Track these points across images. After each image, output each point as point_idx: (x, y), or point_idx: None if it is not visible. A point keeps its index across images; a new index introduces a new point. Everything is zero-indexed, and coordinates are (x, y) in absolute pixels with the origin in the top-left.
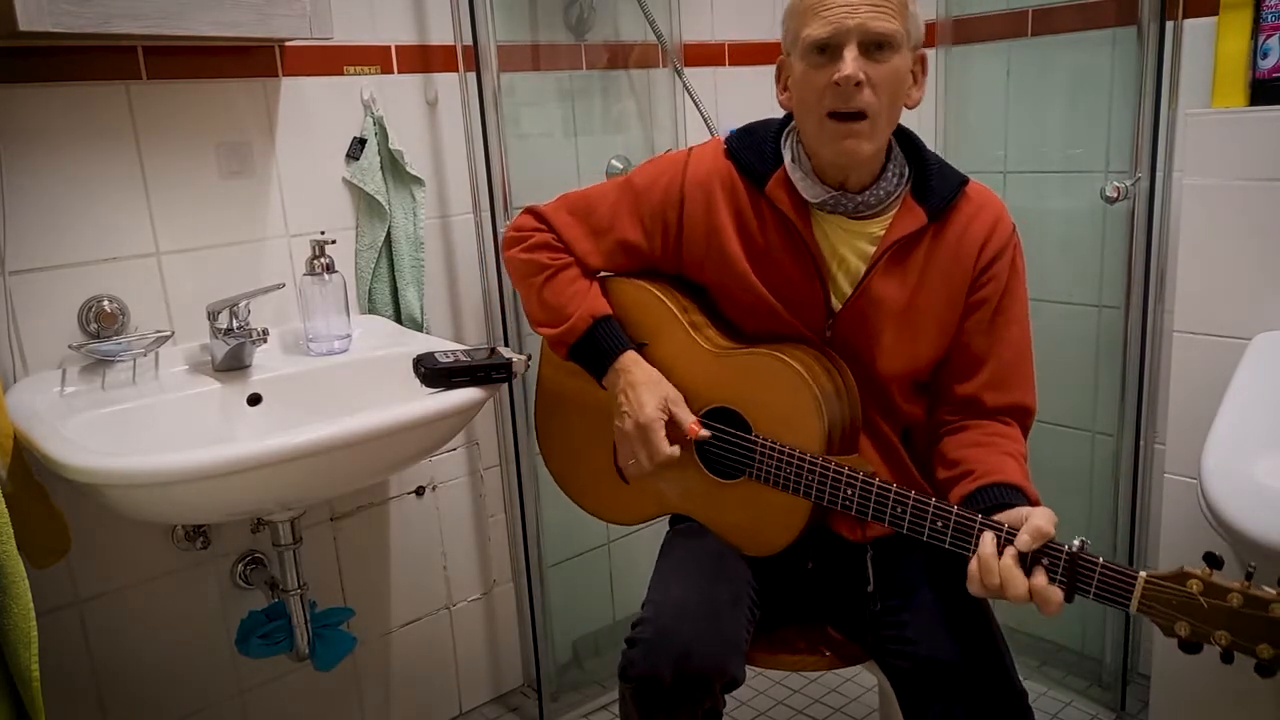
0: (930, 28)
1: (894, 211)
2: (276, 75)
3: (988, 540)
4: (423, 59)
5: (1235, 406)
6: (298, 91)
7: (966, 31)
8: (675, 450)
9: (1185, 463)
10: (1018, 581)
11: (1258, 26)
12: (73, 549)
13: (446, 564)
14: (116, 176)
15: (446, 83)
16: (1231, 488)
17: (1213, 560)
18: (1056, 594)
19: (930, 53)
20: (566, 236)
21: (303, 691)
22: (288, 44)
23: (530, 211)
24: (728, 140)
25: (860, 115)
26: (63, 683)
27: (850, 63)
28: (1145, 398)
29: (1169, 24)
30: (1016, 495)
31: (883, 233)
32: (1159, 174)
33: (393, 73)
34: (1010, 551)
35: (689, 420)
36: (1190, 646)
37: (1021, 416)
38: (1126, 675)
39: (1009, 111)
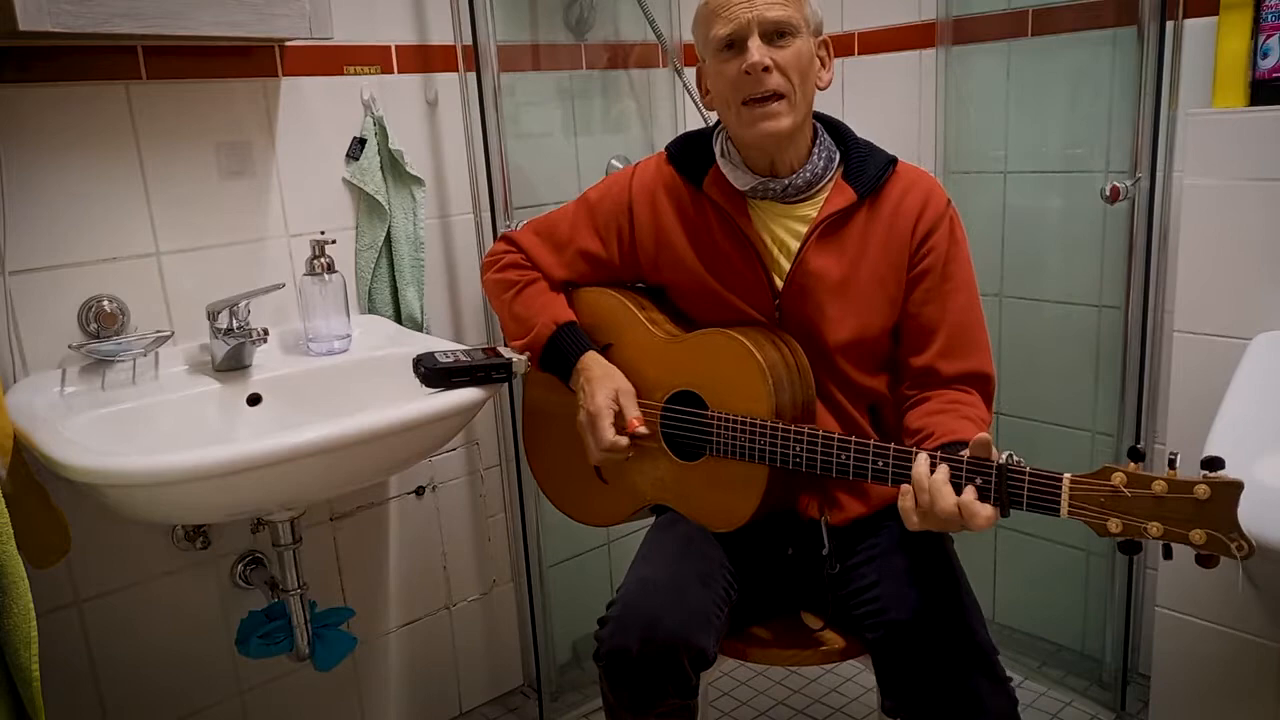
0: (930, 28)
1: (825, 195)
2: (276, 75)
3: (921, 460)
4: (423, 59)
5: (1235, 406)
6: (298, 91)
7: (966, 31)
8: (622, 440)
9: (1185, 463)
10: (945, 495)
11: (1258, 26)
12: (73, 549)
13: (446, 564)
14: (116, 176)
15: (446, 83)
16: None
17: (1135, 454)
18: (984, 509)
19: (930, 53)
20: (533, 254)
21: (303, 691)
22: (288, 44)
23: (503, 238)
24: (668, 148)
25: (774, 96)
26: (63, 683)
27: (755, 50)
28: (1145, 398)
29: (1169, 24)
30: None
31: (815, 213)
32: (1159, 174)
33: (393, 73)
34: (942, 469)
35: (632, 414)
36: (1127, 546)
37: (981, 383)
38: (1126, 675)
39: (1009, 111)
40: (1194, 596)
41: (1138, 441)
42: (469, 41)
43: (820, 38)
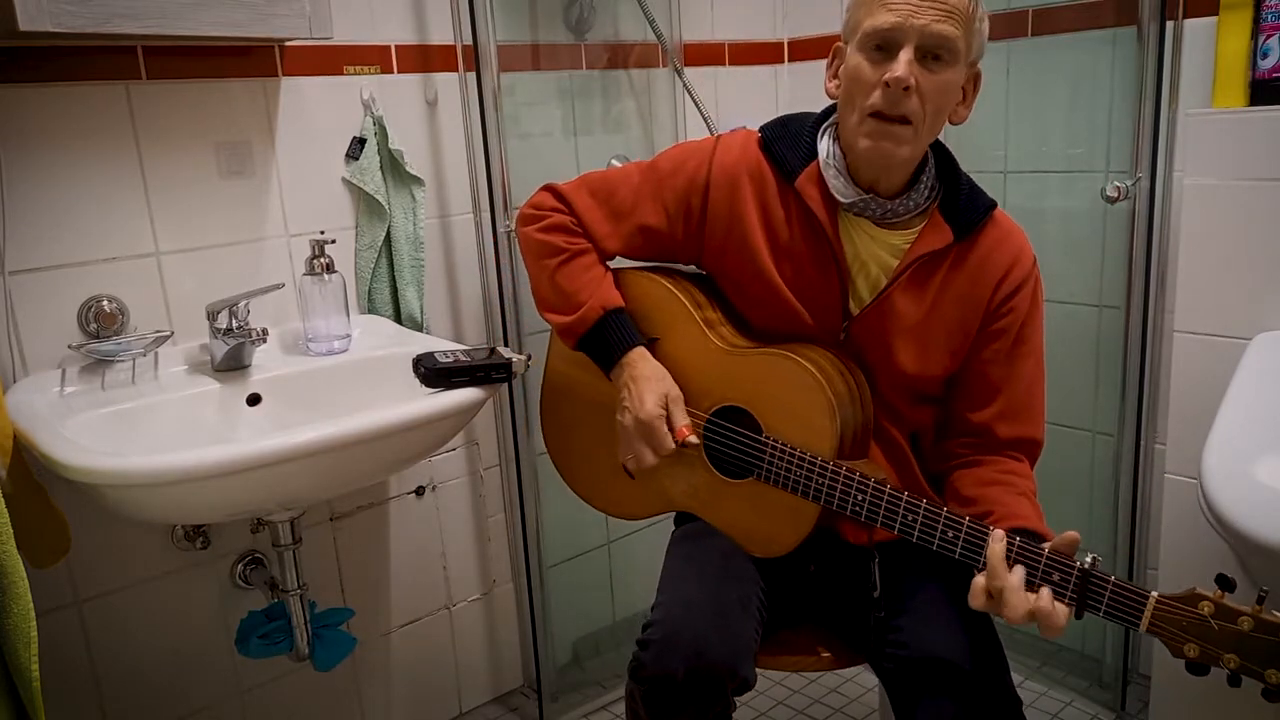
0: None
1: (920, 225)
2: (276, 75)
3: (996, 540)
4: (423, 59)
5: (1235, 406)
6: (298, 91)
7: None
8: (674, 447)
9: (1185, 463)
10: (1016, 604)
11: (1258, 26)
12: (73, 549)
13: (446, 564)
14: (116, 176)
15: (446, 83)
16: (1232, 488)
17: (1225, 583)
18: (1060, 615)
19: None
20: (586, 219)
21: (303, 691)
22: (288, 44)
23: (549, 189)
24: (763, 129)
25: (903, 120)
26: (63, 683)
27: (903, 65)
28: (1145, 398)
29: (1169, 24)
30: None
31: (906, 245)
32: (1159, 174)
33: (393, 73)
34: (1019, 573)
35: (681, 422)
36: (1198, 668)
37: (1030, 449)
38: (1126, 675)
39: (1009, 111)
40: None
41: (1138, 440)
42: (469, 41)
43: (974, 69)
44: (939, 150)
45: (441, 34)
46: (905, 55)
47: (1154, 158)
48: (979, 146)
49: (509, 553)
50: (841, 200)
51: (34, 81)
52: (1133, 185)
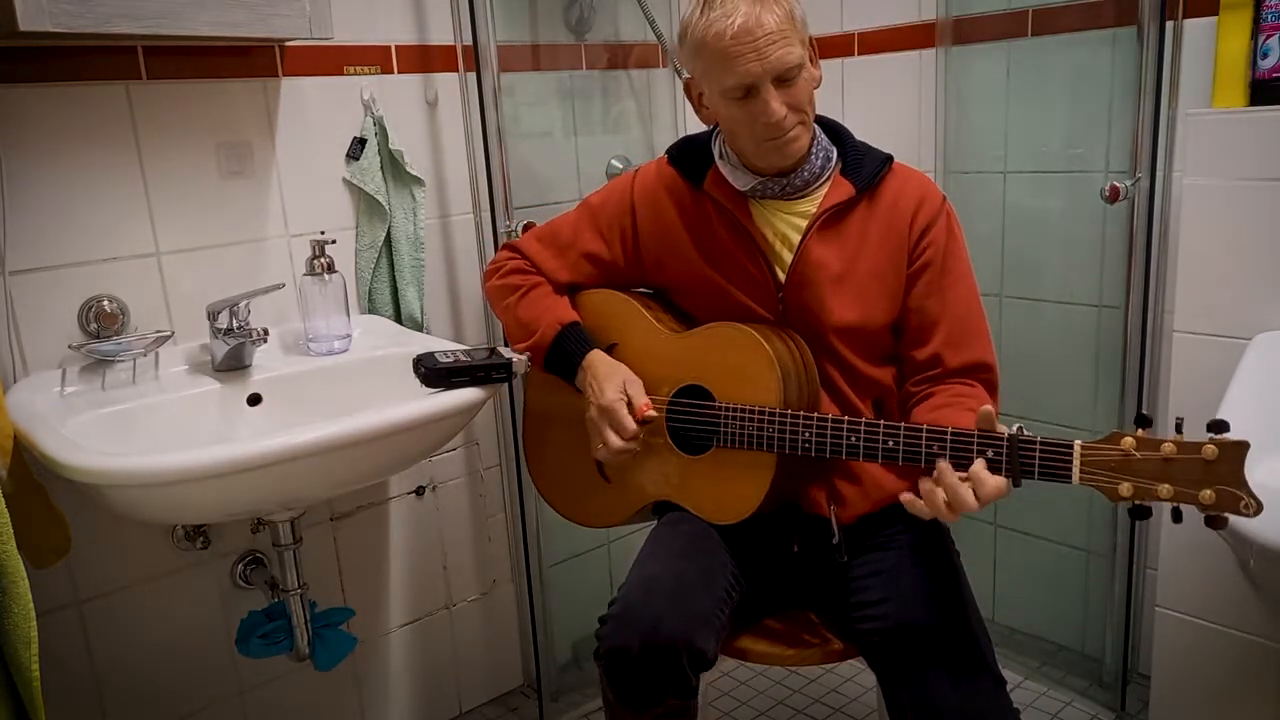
0: (930, 28)
1: (824, 190)
2: (276, 75)
3: (944, 462)
4: (423, 59)
5: (1235, 407)
6: (298, 91)
7: (966, 31)
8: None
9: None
10: (947, 471)
11: (1258, 26)
12: (73, 549)
13: (446, 564)
14: (116, 176)
15: (446, 83)
16: None
17: (1143, 420)
18: (992, 478)
19: (930, 53)
20: (537, 259)
21: (303, 691)
22: (288, 44)
23: (506, 246)
24: (669, 150)
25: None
26: (63, 683)
27: (774, 104)
28: (1145, 398)
29: (1169, 24)
30: None
31: (814, 208)
32: (1159, 174)
33: (393, 73)
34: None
35: (640, 400)
36: (1139, 511)
37: (983, 374)
38: (1126, 675)
39: (1009, 111)
40: (1194, 596)
41: None
42: (469, 41)
43: (809, 41)
44: (828, 126)
45: (441, 34)
46: (768, 94)
47: (1154, 158)
48: (979, 146)
49: (509, 553)
50: (743, 189)
51: (34, 81)
52: (1132, 185)
